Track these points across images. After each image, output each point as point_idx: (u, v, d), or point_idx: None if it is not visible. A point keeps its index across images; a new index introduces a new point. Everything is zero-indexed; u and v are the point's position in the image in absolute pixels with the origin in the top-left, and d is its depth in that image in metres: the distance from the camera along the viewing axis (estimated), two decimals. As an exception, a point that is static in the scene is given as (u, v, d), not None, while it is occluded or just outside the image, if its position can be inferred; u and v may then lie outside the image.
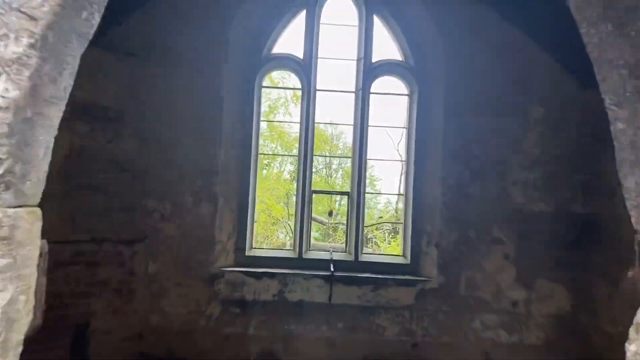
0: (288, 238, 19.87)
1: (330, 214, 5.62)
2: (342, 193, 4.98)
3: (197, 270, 4.69)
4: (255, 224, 5.05)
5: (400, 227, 5.35)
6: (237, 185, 4.93)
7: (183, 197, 4.71)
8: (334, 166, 24.00)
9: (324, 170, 21.63)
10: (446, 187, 4.82)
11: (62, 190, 4.20)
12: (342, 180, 21.84)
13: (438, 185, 4.84)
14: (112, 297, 4.47)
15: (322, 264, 4.90)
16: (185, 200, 4.71)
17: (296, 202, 5.00)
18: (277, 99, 20.38)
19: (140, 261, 4.64)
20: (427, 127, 5.01)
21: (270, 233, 18.80)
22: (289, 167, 23.24)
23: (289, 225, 19.66)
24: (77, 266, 4.26)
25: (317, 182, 15.47)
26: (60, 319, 4.18)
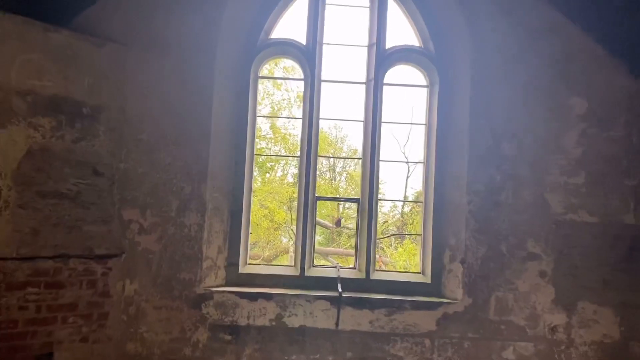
0: (291, 243, 19.24)
1: (338, 223, 4.70)
2: (350, 200, 4.24)
3: (182, 290, 4.01)
4: (250, 236, 4.37)
5: (419, 240, 4.66)
6: (229, 190, 4.26)
7: (167, 205, 4.04)
8: (337, 169, 23.37)
9: (328, 173, 20.99)
10: (473, 193, 4.12)
11: (19, 198, 3.54)
12: (346, 184, 21.13)
13: (463, 191, 4.14)
14: (80, 322, 3.79)
15: (328, 282, 4.21)
16: (169, 209, 4.04)
17: (298, 209, 4.32)
18: (280, 101, 19.79)
19: (114, 280, 3.96)
20: (450, 123, 4.32)
21: (273, 238, 18.14)
22: (292, 170, 22.63)
23: (292, 230, 19.01)
24: (37, 288, 3.59)
25: (320, 185, 14.81)
26: (16, 350, 3.53)
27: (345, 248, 18.35)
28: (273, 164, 22.92)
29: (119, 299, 3.98)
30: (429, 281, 4.26)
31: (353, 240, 17.85)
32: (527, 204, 4.12)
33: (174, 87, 4.09)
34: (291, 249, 16.17)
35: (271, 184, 19.97)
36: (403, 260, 16.51)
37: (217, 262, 4.16)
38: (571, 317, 4.08)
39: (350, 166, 23.71)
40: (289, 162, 23.40)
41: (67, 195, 3.79)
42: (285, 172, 22.22)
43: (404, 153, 18.24)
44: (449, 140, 4.30)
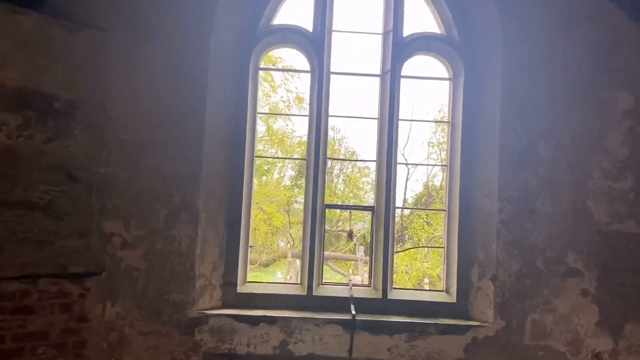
0: (289, 246, 18.69)
1: (350, 235, 4.09)
2: (365, 208, 3.61)
3: (172, 313, 3.47)
4: (250, 249, 3.84)
5: (441, 254, 4.12)
6: (225, 198, 3.72)
7: (154, 215, 3.50)
8: (335, 171, 22.85)
9: (326, 175, 20.42)
10: (505, 200, 3.61)
11: (-24, 209, 3.00)
12: (343, 187, 20.58)
13: (494, 197, 3.62)
14: (52, 353, 3.24)
15: (339, 303, 3.68)
16: (157, 220, 3.50)
17: (304, 219, 3.79)
18: (279, 102, 19.26)
19: (93, 303, 3.41)
20: (478, 121, 3.80)
21: (271, 243, 17.58)
22: (289, 173, 22.10)
23: (290, 234, 18.46)
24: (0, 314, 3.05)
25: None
26: (-26, 389, 2.98)
27: (344, 252, 17.85)
28: (269, 166, 22.44)
29: (99, 325, 3.43)
30: (455, 301, 3.74)
31: (352, 245, 17.39)
32: (566, 212, 3.60)
33: (162, 79, 3.56)
34: (289, 254, 15.65)
35: (268, 187, 19.44)
36: (405, 264, 16.00)
37: (212, 281, 3.62)
38: (618, 342, 3.56)
39: (348, 168, 23.24)
40: (286, 164, 22.90)
41: (37, 205, 3.24)
42: (282, 174, 21.75)
43: (403, 155, 17.76)
44: (477, 140, 3.79)
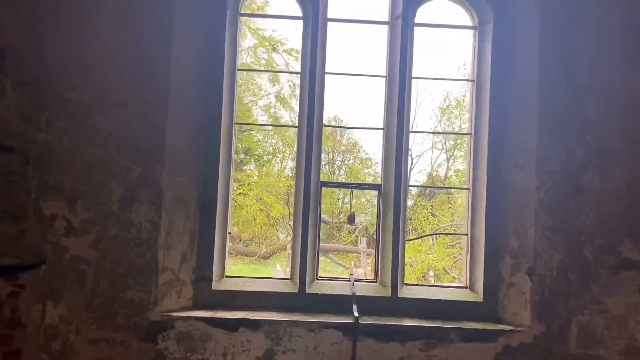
0: (289, 239, 18.02)
1: (351, 219, 3.35)
2: (370, 187, 2.87)
3: (129, 316, 2.77)
4: (229, 237, 3.13)
5: (462, 241, 3.42)
6: (197, 173, 3.01)
7: (106, 193, 2.80)
8: (337, 162, 22.10)
9: (327, 166, 19.81)
10: (544, 175, 2.89)
11: None
12: (345, 178, 19.81)
13: (531, 172, 2.91)
14: (-25, 367, 2.57)
15: (338, 302, 2.98)
16: (110, 200, 2.80)
17: (296, 200, 3.09)
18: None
19: (29, 303, 2.73)
20: (510, 77, 3.07)
21: (270, 234, 16.92)
22: (291, 164, 21.41)
23: (290, 225, 17.77)
24: None
25: (321, 177, 13.60)
26: None
27: (345, 244, 17.15)
28: (270, 157, 21.73)
29: (37, 330, 2.75)
30: (481, 300, 3.03)
31: (354, 237, 16.72)
32: (621, 190, 2.89)
33: (117, 25, 2.85)
34: (288, 246, 14.99)
35: (268, 177, 18.77)
36: (408, 257, 15.31)
37: (181, 276, 2.92)
38: (684, 350, 2.86)
39: (349, 159, 22.51)
40: (287, 154, 22.17)
41: (-46, 180, 2.55)
42: (283, 165, 21.04)
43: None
44: (509, 101, 3.06)
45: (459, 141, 19.48)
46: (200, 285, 2.99)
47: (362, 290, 3.04)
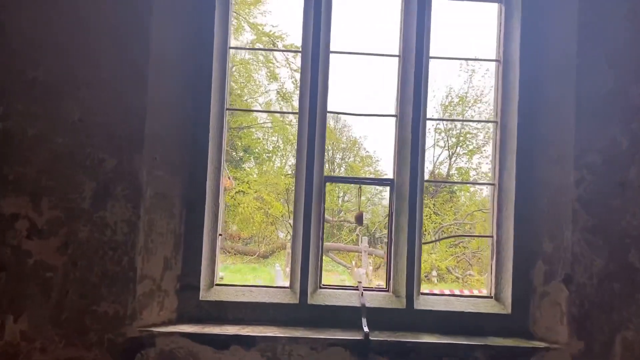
0: (289, 238, 17.63)
1: (359, 219, 2.95)
2: (382, 182, 2.45)
3: (102, 332, 2.38)
4: (219, 238, 2.73)
5: (487, 244, 3.01)
6: (182, 165, 2.61)
7: (75, 189, 2.41)
8: (337, 160, 21.73)
9: (327, 165, 19.42)
10: (584, 168, 2.50)
11: None
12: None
13: (568, 164, 2.52)
14: None
15: (346, 315, 2.59)
16: (80, 196, 2.41)
17: (296, 199, 2.69)
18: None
19: (-16, 317, 2.34)
20: (542, 56, 2.67)
21: (270, 233, 16.55)
22: (291, 162, 21.04)
23: (289, 224, 17.39)
24: None
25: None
26: None
27: (346, 243, 16.77)
28: (270, 155, 21.36)
29: (-6, 349, 2.36)
30: (509, 312, 2.64)
31: (355, 235, 16.34)
32: (672, 186, 2.50)
33: (89, -7, 2.45)
34: (288, 245, 14.60)
35: (268, 175, 18.40)
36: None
37: (163, 285, 2.52)
38: None
39: (349, 157, 22.14)
40: (288, 152, 21.79)
41: None
42: (283, 163, 20.66)
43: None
44: (541, 83, 2.66)
45: (461, 139, 19.09)
46: (186, 295, 2.59)
47: (373, 301, 2.64)
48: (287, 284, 2.72)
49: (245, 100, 20.20)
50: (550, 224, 2.57)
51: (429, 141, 17.11)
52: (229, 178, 15.18)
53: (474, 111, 18.20)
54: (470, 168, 18.38)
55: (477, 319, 2.64)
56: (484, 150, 18.38)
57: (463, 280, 14.04)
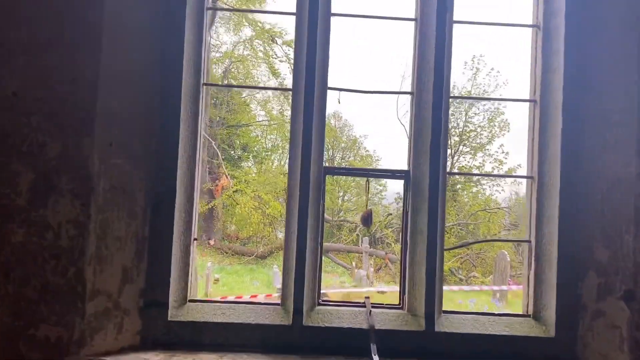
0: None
1: (366, 220, 2.39)
2: (394, 174, 1.89)
3: (41, 363, 1.87)
4: (194, 244, 2.22)
5: (490, 245, 2.49)
6: (147, 154, 2.10)
7: (9, 182, 1.90)
8: (336, 159, 21.20)
9: (326, 163, 18.94)
10: (650, 156, 1.99)
11: None
12: (344, 177, 18.78)
13: (628, 152, 2.01)
14: None
15: (349, 338, 2.09)
16: (14, 190, 1.90)
17: (290, 192, 2.18)
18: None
19: None
20: (593, 17, 2.16)
21: (267, 233, 16.07)
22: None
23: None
24: None
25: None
26: None
27: (346, 243, 16.24)
28: (269, 153, 20.85)
29: None
30: (552, 334, 2.13)
31: (355, 236, 15.83)
32: None
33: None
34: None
35: (266, 175, 17.93)
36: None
37: (122, 301, 2.01)
38: None
39: (350, 157, 21.60)
40: (287, 152, 21.28)
41: None
42: (282, 162, 20.16)
43: (399, 120, 15.82)
44: (591, 53, 2.15)
45: (464, 137, 18.56)
46: (152, 314, 2.08)
47: (384, 321, 2.13)
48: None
49: (243, 97, 19.72)
50: (606, 226, 2.06)
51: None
52: (226, 177, 14.69)
53: (478, 109, 17.74)
54: (473, 166, 17.90)
55: (512, 343, 2.13)
56: (487, 149, 17.89)
57: (467, 282, 13.57)
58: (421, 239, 2.15)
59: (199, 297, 2.57)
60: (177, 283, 2.11)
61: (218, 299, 2.07)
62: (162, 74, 2.11)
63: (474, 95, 17.72)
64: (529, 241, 2.26)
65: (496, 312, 2.24)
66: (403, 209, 2.26)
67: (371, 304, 2.18)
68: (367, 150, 21.77)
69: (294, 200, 2.16)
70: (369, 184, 2.41)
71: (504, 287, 9.03)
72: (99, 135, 1.93)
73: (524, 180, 2.35)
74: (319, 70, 2.19)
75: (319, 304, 2.21)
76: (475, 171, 17.61)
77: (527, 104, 2.32)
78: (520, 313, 2.27)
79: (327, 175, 2.27)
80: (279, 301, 2.18)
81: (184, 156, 2.14)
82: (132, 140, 2.04)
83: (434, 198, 2.12)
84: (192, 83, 2.17)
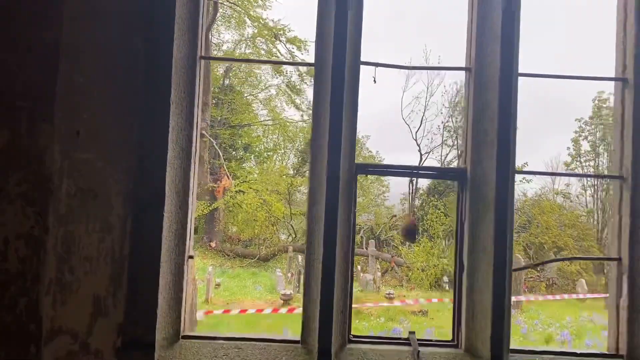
0: (291, 239, 16.60)
1: (411, 233, 1.68)
2: (447, 173, 1.42)
3: None
4: (189, 263, 1.72)
5: (610, 270, 2.04)
6: (126, 148, 1.60)
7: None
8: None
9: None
10: None
11: None
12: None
13: None
14: None
15: (393, 389, 1.59)
16: (-53, 194, 1.40)
17: (311, 202, 1.69)
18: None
19: None
20: None
21: (270, 235, 15.62)
22: (293, 161, 20.06)
23: (291, 226, 16.37)
24: None
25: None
26: None
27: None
28: (271, 153, 20.42)
29: None
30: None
31: (359, 238, 15.34)
32: None
33: None
34: (290, 248, 13.56)
35: (269, 174, 17.53)
36: (421, 261, 13.87)
37: (92, 341, 1.52)
38: None
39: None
40: (288, 152, 20.78)
41: None
42: (284, 162, 19.69)
43: (415, 140, 15.39)
44: None
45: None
46: (133, 357, 1.58)
47: (437, 364, 1.63)
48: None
49: (246, 97, 19.25)
50: None
51: (437, 140, 16.03)
52: (227, 177, 14.25)
53: (485, 108, 17.21)
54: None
55: (603, 394, 1.63)
56: (497, 148, 17.35)
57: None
58: (484, 258, 1.65)
59: (199, 303, 2.07)
60: (166, 315, 1.62)
61: (217, 334, 1.59)
62: (146, 39, 1.61)
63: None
64: (619, 258, 1.76)
65: (579, 351, 1.73)
66: (457, 219, 1.76)
67: (417, 340, 1.68)
68: (370, 151, 21.28)
69: (317, 206, 1.67)
70: (413, 185, 1.91)
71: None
72: (61, 121, 1.44)
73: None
74: (350, 41, 1.70)
75: (350, 341, 1.71)
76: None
77: (613, 83, 1.83)
78: (607, 352, 1.77)
79: (358, 175, 1.77)
80: (298, 337, 1.68)
81: (176, 149, 1.65)
82: (106, 128, 1.54)
83: (502, 204, 1.62)
84: (186, 54, 1.68)
